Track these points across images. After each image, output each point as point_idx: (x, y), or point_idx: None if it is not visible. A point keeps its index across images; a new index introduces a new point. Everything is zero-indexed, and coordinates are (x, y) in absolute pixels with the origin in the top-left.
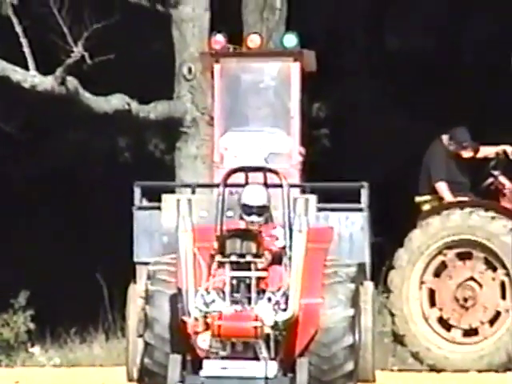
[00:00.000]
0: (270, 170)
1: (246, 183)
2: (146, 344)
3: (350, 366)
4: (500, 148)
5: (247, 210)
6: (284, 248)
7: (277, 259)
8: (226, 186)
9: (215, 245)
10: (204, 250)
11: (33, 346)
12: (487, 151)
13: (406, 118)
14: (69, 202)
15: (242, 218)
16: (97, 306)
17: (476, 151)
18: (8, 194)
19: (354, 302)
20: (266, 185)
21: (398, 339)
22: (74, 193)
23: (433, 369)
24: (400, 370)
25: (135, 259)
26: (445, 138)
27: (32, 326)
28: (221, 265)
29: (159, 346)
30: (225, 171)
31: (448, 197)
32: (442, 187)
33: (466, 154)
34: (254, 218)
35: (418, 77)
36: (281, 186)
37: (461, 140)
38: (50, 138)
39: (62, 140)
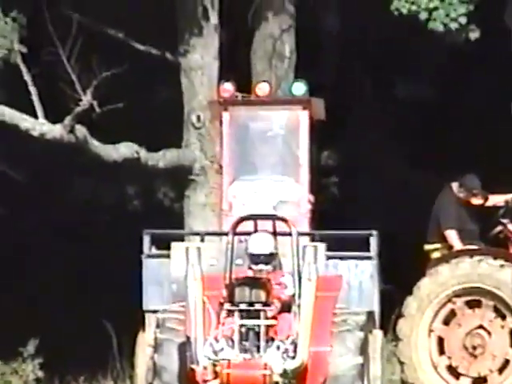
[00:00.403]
0: (279, 218)
1: (255, 231)
2: None
3: None
4: (509, 196)
5: (254, 258)
6: (293, 296)
7: (286, 307)
8: (234, 234)
9: (224, 293)
10: (213, 299)
11: None
12: (496, 199)
13: (416, 168)
14: (78, 250)
15: (250, 268)
16: (106, 354)
17: (486, 199)
18: (16, 242)
19: (363, 350)
20: (274, 233)
21: None
22: (83, 241)
23: None
24: None
25: (144, 307)
26: (455, 185)
27: (41, 374)
28: (230, 313)
29: None
30: (233, 219)
31: (457, 245)
32: (452, 235)
33: (476, 201)
34: (261, 266)
35: (427, 126)
36: (290, 234)
37: (471, 187)
38: (58, 185)
39: (70, 188)
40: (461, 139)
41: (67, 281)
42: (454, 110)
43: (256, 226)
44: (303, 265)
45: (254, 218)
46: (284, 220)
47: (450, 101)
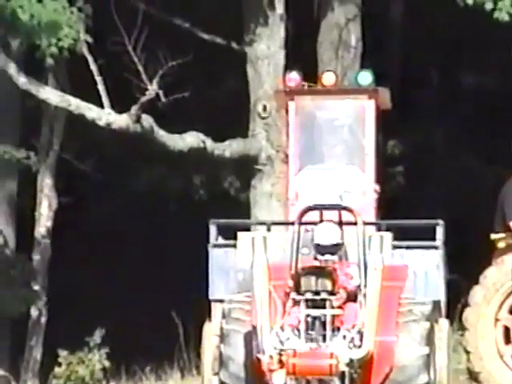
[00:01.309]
0: (345, 208)
1: (321, 221)
2: (222, 383)
3: None
4: None
5: (320, 249)
6: (359, 286)
7: (351, 297)
8: (300, 223)
9: (290, 283)
10: (279, 288)
11: (108, 383)
12: None
13: (482, 157)
14: (145, 239)
15: (315, 258)
16: (172, 344)
17: None
18: (85, 232)
19: (429, 340)
20: (340, 223)
21: (474, 377)
22: (150, 230)
23: None
24: None
25: (210, 297)
26: None
27: (107, 363)
28: (296, 302)
29: None
30: (299, 209)
31: None
32: None
33: None
34: (327, 256)
35: (493, 115)
36: (355, 223)
37: None
38: (125, 175)
39: (137, 178)
40: None
41: (134, 270)
42: None
43: (322, 215)
44: (369, 254)
45: (320, 207)
46: (350, 210)
47: None
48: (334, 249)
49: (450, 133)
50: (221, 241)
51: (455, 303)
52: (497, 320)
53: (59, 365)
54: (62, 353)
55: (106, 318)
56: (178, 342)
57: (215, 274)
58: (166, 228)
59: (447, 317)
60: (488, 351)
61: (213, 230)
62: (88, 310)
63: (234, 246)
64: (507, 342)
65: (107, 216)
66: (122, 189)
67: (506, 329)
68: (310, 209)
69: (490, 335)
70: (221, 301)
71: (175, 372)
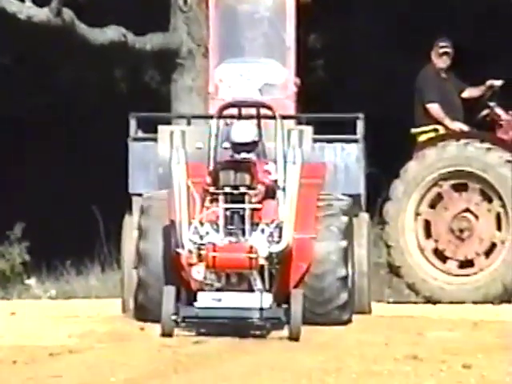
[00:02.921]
0: (263, 105)
1: (239, 117)
2: (140, 279)
3: (343, 298)
4: (488, 83)
5: (237, 147)
6: (276, 182)
7: (269, 193)
8: (219, 118)
9: (208, 178)
10: (197, 185)
11: (29, 278)
12: (473, 92)
13: (403, 53)
14: (66, 134)
15: (232, 156)
16: (93, 239)
17: (460, 92)
18: (4, 127)
19: (347, 234)
20: (258, 120)
21: (394, 270)
22: (71, 125)
23: (428, 300)
24: (396, 302)
25: (130, 191)
26: (433, 56)
27: (27, 257)
28: (214, 197)
29: (153, 282)
30: (220, 102)
31: (442, 117)
32: (435, 108)
33: (445, 59)
34: (244, 155)
35: (415, 11)
36: (274, 117)
37: (440, 45)
38: (46, 70)
39: (58, 72)
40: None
41: (55, 165)
42: None
43: (240, 111)
44: (288, 149)
45: (238, 105)
46: (268, 107)
47: None
48: (251, 146)
49: (372, 29)
50: (141, 134)
51: (375, 197)
52: (417, 214)
53: None
54: None
55: (27, 212)
56: (98, 237)
57: (135, 167)
58: (88, 122)
59: (367, 211)
60: (409, 245)
61: (132, 123)
62: (9, 204)
63: (154, 139)
64: (428, 236)
65: (27, 111)
66: (42, 83)
67: (427, 223)
68: (227, 106)
69: (411, 229)
70: (141, 195)
71: (96, 266)
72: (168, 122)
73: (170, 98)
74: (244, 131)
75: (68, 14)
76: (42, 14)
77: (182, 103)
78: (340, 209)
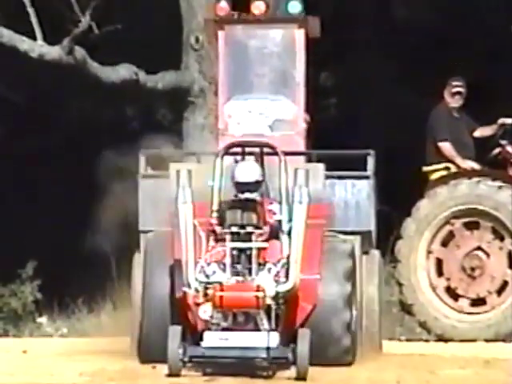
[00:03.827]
0: (267, 145)
1: (243, 157)
2: (143, 319)
3: (347, 342)
4: (499, 122)
5: (240, 187)
6: (280, 222)
7: (274, 233)
8: (224, 155)
9: (213, 217)
10: (203, 224)
11: (40, 316)
12: (485, 131)
13: (415, 91)
14: (77, 171)
15: (236, 196)
16: (104, 276)
17: (472, 131)
18: (16, 164)
19: (351, 277)
20: (262, 160)
21: (406, 309)
22: (83, 162)
23: (440, 338)
24: (408, 340)
25: (141, 228)
26: (446, 95)
27: (39, 295)
28: (220, 237)
29: (157, 323)
30: (229, 139)
31: (453, 155)
32: (446, 147)
33: (457, 99)
34: (247, 194)
35: (426, 47)
36: (276, 153)
37: (454, 84)
38: (57, 107)
39: (69, 110)
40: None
41: (67, 203)
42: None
43: (243, 151)
44: (295, 188)
45: (242, 144)
46: (271, 146)
47: (448, 23)
48: (255, 186)
49: (384, 67)
50: (150, 171)
51: (387, 235)
52: (429, 252)
53: None
54: None
55: (38, 251)
56: (110, 274)
57: (145, 204)
58: (100, 161)
59: (379, 249)
60: (421, 283)
61: (142, 160)
62: (20, 242)
63: (165, 176)
64: (440, 274)
65: (39, 148)
66: (54, 121)
67: (439, 261)
68: (232, 146)
69: (423, 267)
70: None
71: (107, 304)
72: (180, 161)
73: (182, 136)
74: (248, 171)
75: (80, 52)
76: (53, 52)
77: (195, 141)
78: (344, 252)
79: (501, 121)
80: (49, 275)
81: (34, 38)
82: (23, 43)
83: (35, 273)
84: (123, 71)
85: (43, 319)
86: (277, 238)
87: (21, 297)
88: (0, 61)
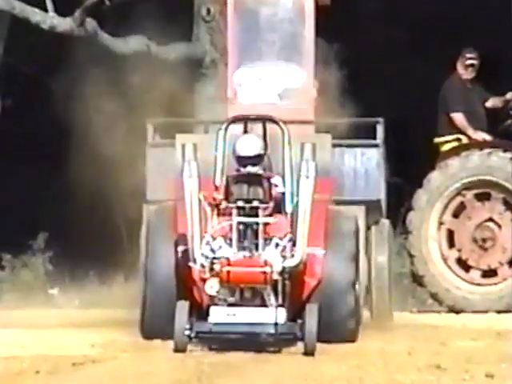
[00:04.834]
0: (269, 119)
1: (245, 132)
2: (146, 295)
3: (351, 316)
4: (508, 96)
5: (242, 161)
6: (284, 195)
7: (277, 207)
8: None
9: (217, 192)
10: (207, 198)
11: (52, 288)
12: (496, 101)
13: (428, 63)
14: (89, 145)
15: (237, 170)
16: (116, 248)
17: (484, 101)
18: (26, 132)
19: (356, 255)
20: (264, 133)
21: (417, 280)
22: (92, 133)
23: (452, 310)
24: (419, 312)
25: (149, 198)
26: (459, 66)
27: (50, 267)
28: (227, 211)
29: (160, 298)
30: (239, 107)
31: (466, 127)
32: (459, 117)
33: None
34: (249, 168)
35: (440, 21)
36: (280, 127)
37: (467, 56)
38: (68, 78)
39: (80, 80)
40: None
41: (78, 174)
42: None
43: (246, 126)
44: (301, 162)
45: (244, 119)
46: (274, 121)
47: None
48: (256, 160)
49: (397, 37)
50: (158, 140)
51: (398, 207)
52: (441, 223)
53: (2, 268)
54: (6, 256)
55: (50, 223)
56: (121, 246)
57: (153, 174)
58: (111, 133)
59: (389, 219)
60: (432, 255)
61: (150, 129)
62: (32, 214)
63: (173, 145)
64: (451, 245)
65: (52, 120)
66: (66, 91)
67: (450, 232)
68: (234, 120)
69: (434, 238)
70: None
71: (119, 275)
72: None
73: (193, 107)
74: (249, 144)
75: (91, 23)
76: (65, 24)
77: (205, 112)
78: (349, 228)
79: (509, 95)
80: (61, 247)
81: (46, 10)
82: (35, 15)
83: (47, 244)
84: (134, 43)
85: (55, 291)
86: (280, 212)
87: (32, 269)
88: (12, 32)
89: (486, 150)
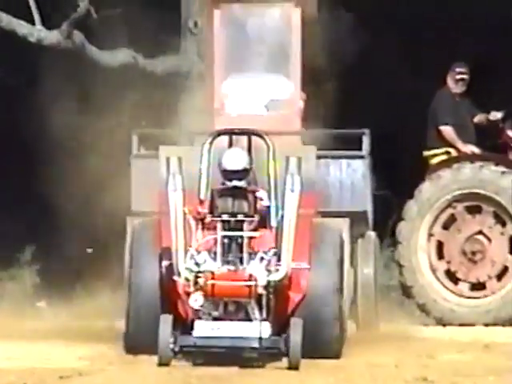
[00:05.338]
0: (254, 133)
1: (230, 146)
2: (130, 309)
3: (335, 330)
4: (491, 117)
5: (228, 175)
6: (269, 209)
7: (262, 221)
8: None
9: (202, 206)
10: (192, 212)
11: (39, 300)
12: (483, 118)
13: (417, 76)
14: (76, 158)
15: (223, 184)
16: (103, 259)
17: (473, 117)
18: (16, 151)
19: (341, 267)
20: (249, 148)
21: (406, 291)
22: (79, 146)
23: (439, 322)
24: (407, 324)
25: (133, 209)
26: (449, 80)
27: (38, 280)
28: (211, 225)
29: (143, 312)
30: (226, 118)
31: (455, 140)
32: (448, 131)
33: (461, 86)
34: (235, 182)
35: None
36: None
37: (457, 71)
38: (55, 91)
39: (67, 94)
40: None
41: (65, 187)
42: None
43: (231, 140)
44: (286, 176)
45: (229, 133)
46: (259, 135)
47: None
48: (242, 174)
49: (385, 51)
50: (143, 151)
51: (386, 220)
52: (430, 235)
53: None
54: None
55: (37, 236)
56: (109, 257)
57: (137, 185)
58: (97, 146)
59: (375, 231)
60: (421, 265)
61: (135, 140)
62: (19, 226)
63: (157, 157)
64: (440, 257)
65: (41, 132)
66: (53, 105)
67: (440, 244)
68: (219, 134)
69: (424, 250)
70: (143, 213)
71: (106, 288)
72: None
73: (180, 119)
74: (235, 159)
75: (78, 36)
76: (52, 37)
77: (192, 124)
78: (333, 240)
79: (492, 115)
80: (48, 260)
81: (33, 23)
82: (22, 27)
83: (34, 257)
84: (122, 55)
85: (42, 304)
86: (265, 226)
87: (19, 281)
88: None
89: (478, 163)
